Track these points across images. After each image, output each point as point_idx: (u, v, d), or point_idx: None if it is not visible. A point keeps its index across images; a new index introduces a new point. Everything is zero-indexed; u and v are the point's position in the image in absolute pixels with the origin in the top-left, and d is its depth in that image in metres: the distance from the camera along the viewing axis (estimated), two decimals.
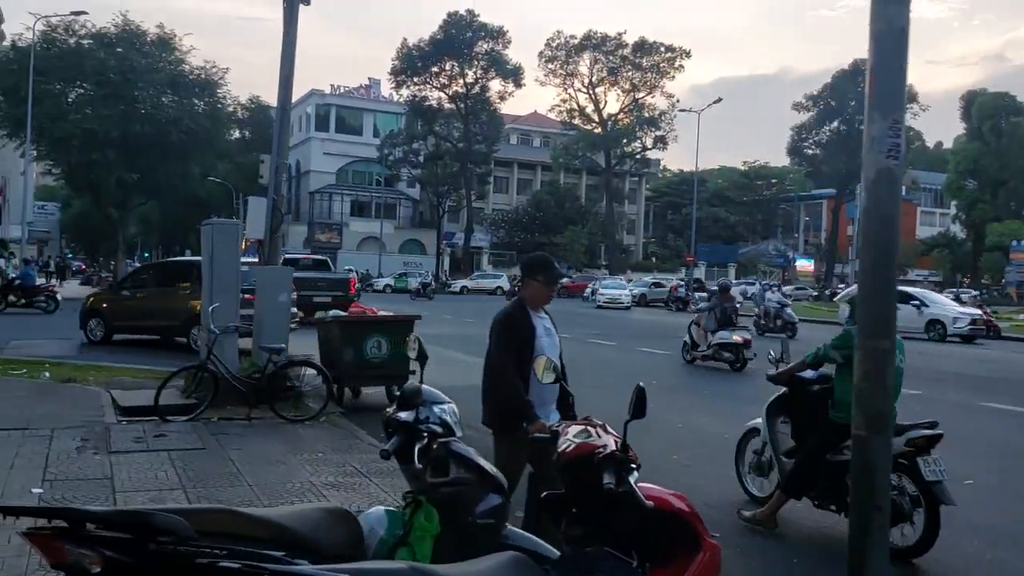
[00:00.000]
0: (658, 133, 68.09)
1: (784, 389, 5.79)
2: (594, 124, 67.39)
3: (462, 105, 59.12)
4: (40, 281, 27.67)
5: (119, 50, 33.16)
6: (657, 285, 46.95)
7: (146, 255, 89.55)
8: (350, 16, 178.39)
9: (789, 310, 23.78)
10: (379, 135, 68.03)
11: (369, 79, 75.41)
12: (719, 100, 48.08)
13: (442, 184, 62.93)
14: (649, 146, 69.47)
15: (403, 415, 2.70)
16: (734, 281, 65.73)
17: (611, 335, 21.83)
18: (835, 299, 37.54)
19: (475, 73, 58.51)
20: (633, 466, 2.39)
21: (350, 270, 40.59)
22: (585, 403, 3.86)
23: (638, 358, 16.69)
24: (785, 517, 5.52)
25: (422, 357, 3.21)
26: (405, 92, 60.41)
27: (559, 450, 2.52)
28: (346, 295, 21.68)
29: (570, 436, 2.51)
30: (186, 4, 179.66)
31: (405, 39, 58.27)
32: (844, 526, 3.96)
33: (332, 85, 72.11)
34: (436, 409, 2.75)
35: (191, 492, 5.41)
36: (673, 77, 67.17)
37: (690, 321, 16.28)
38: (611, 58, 65.96)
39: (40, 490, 5.21)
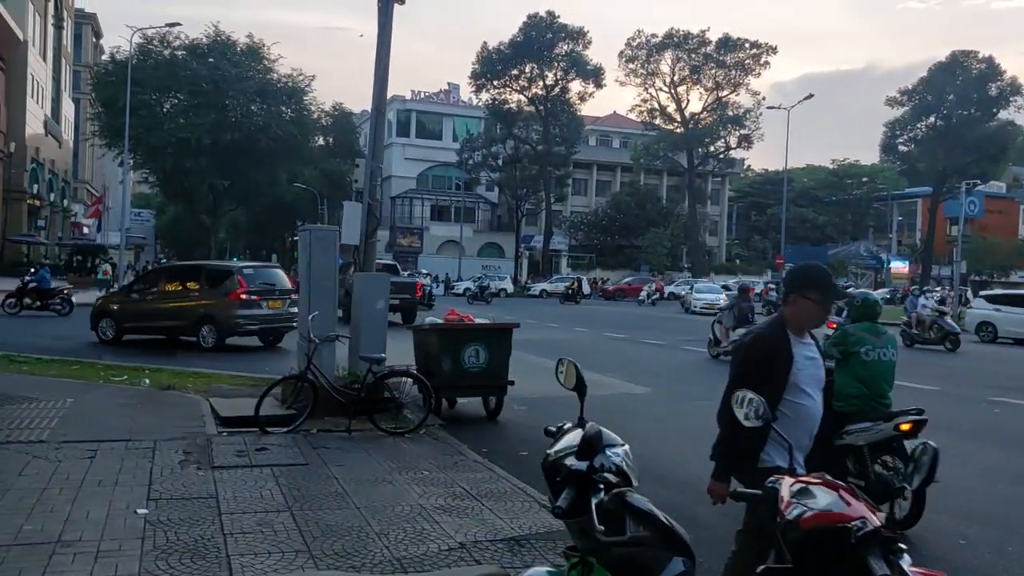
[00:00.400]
0: (743, 132, 66.31)
1: None
2: (676, 124, 66.07)
3: (542, 107, 58.79)
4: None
5: (211, 60, 34.16)
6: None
7: (235, 259, 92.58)
8: (430, 22, 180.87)
9: (949, 319, 21.34)
10: (458, 139, 68.45)
11: (448, 84, 75.91)
12: (810, 96, 46.30)
13: (521, 187, 62.75)
14: (733, 145, 67.72)
15: (576, 463, 2.23)
16: None
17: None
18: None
19: (555, 75, 58.12)
20: (902, 547, 1.87)
21: (420, 274, 40.64)
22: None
23: None
24: None
25: (580, 387, 2.74)
26: (485, 96, 60.52)
27: (792, 515, 2.01)
28: (412, 298, 22.97)
29: (803, 499, 2.00)
30: (268, 16, 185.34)
31: (485, 43, 58.35)
32: None
33: (413, 91, 72.85)
34: (610, 453, 2.29)
35: (298, 514, 5.10)
36: (759, 74, 65.41)
37: (713, 320, 17.67)
38: (693, 56, 64.55)
39: (145, 510, 4.99)
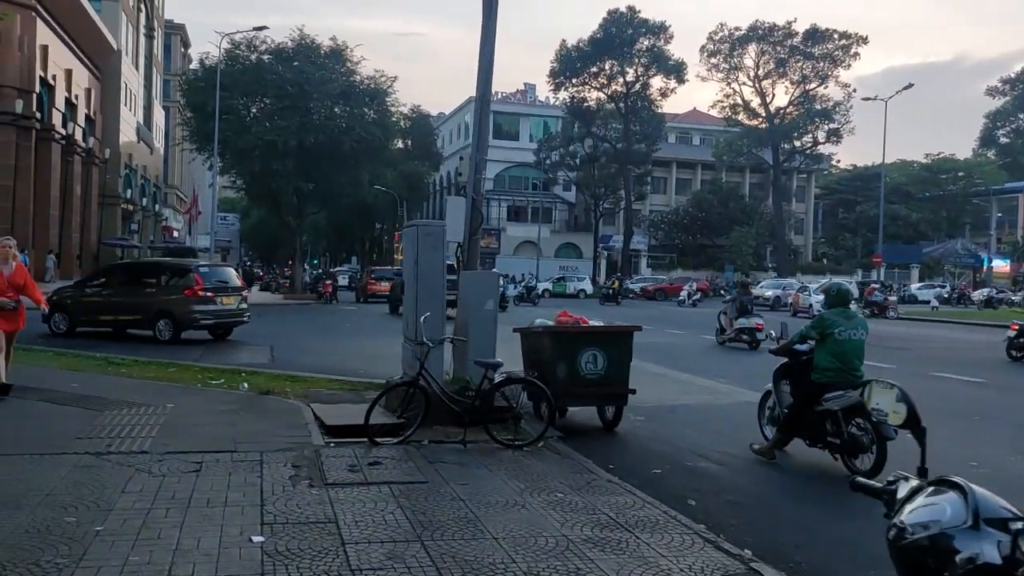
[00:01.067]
0: (832, 126, 63.79)
1: (786, 359, 7.64)
2: (760, 119, 63.99)
3: (621, 105, 57.65)
4: None
5: (295, 64, 34.38)
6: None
7: (314, 261, 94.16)
8: (505, 23, 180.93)
9: None
10: (535, 140, 67.92)
11: (524, 84, 75.51)
12: (910, 86, 43.92)
13: (599, 186, 61.69)
14: (821, 140, 65.19)
15: (981, 550, 1.43)
16: (918, 284, 60.36)
17: None
18: None
19: (636, 71, 56.91)
20: None
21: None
22: None
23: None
24: (788, 451, 7.49)
25: (915, 424, 1.95)
26: (563, 95, 59.75)
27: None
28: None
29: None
30: (342, 24, 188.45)
31: (564, 40, 57.64)
32: (827, 458, 7.02)
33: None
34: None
35: (430, 545, 4.44)
36: (849, 66, 62.68)
37: (719, 311, 19.96)
38: (779, 49, 62.41)
39: (261, 538, 4.42)
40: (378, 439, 6.93)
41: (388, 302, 26.53)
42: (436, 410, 7.29)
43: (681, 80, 57.28)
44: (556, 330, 8.45)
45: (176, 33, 76.28)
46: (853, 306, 7.92)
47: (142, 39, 56.49)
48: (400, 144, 61.35)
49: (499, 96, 72.64)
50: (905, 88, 43.84)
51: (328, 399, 8.99)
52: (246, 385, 9.39)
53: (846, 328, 7.00)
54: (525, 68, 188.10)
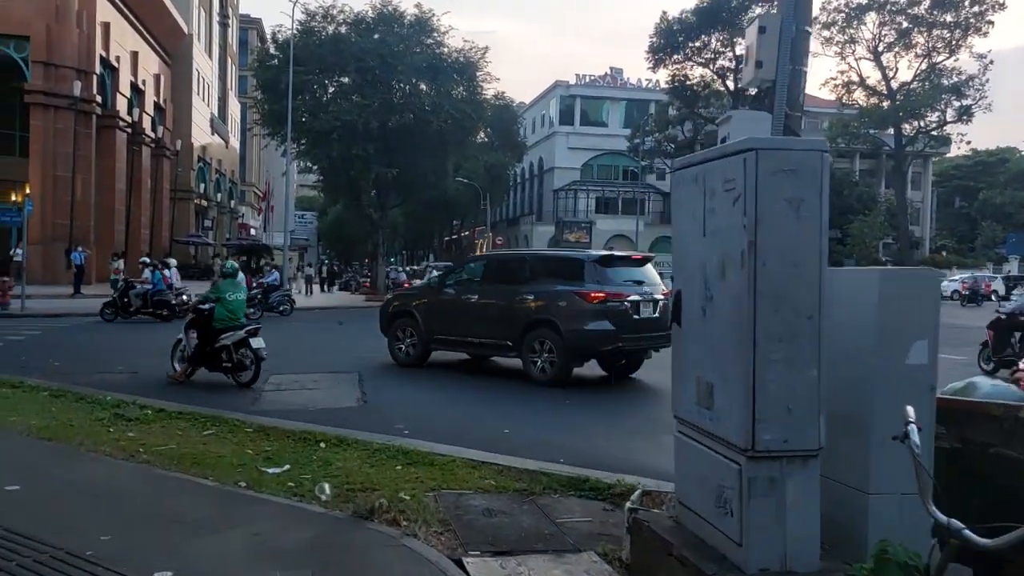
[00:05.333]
0: (963, 102, 56.64)
1: None
2: (881, 97, 57.36)
3: (729, 82, 51.98)
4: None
5: (376, 35, 30.42)
6: None
7: (391, 260, 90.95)
8: (594, 9, 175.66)
9: None
10: (626, 125, 62.93)
11: (611, 69, 70.46)
12: None
13: None
14: (950, 119, 58.06)
15: None
16: None
17: None
18: None
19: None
20: None
21: None
22: None
23: None
24: None
25: None
26: (663, 73, 54.40)
27: None
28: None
29: None
30: None
31: (664, 12, 52.35)
32: None
33: (577, 75, 67.88)
34: None
35: None
36: (986, 33, 55.39)
37: None
38: (901, 18, 55.71)
39: None
40: None
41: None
42: None
43: None
44: None
45: (252, 27, 74.02)
46: None
47: (215, 26, 53.79)
48: (482, 135, 57.07)
49: (585, 79, 67.92)
50: None
51: (496, 534, 4.51)
52: (327, 489, 4.97)
53: None
54: (610, 57, 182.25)
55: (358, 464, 5.81)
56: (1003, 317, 13.12)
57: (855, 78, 57.45)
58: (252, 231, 64.52)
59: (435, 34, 31.47)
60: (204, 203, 49.93)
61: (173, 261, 22.17)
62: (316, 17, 31.03)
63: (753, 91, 42.68)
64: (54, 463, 5.62)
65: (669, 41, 51.58)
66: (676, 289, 3.66)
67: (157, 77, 39.08)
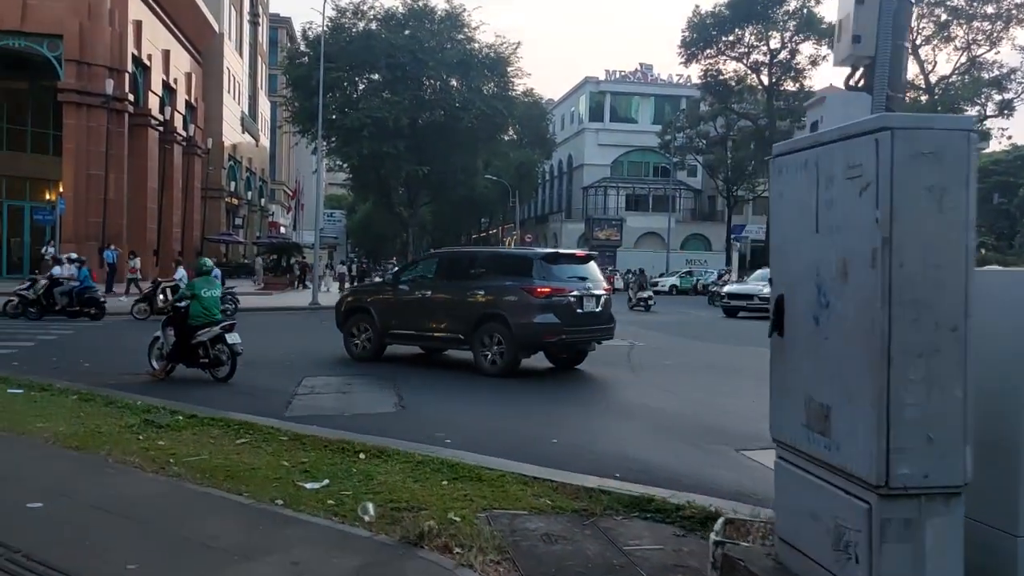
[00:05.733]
0: (1005, 96, 55.06)
1: None
2: (919, 91, 55.92)
3: (764, 76, 51.03)
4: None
5: (406, 32, 30.09)
6: None
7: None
8: (622, 4, 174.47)
9: None
10: (656, 121, 62.10)
11: (640, 64, 69.55)
12: None
13: (734, 170, 55.04)
14: (991, 112, 56.47)
15: None
16: None
17: None
18: None
19: (781, 37, 50.10)
20: None
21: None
22: None
23: None
24: None
25: None
26: (695, 68, 53.52)
27: None
28: None
29: None
30: None
31: (697, 6, 51.46)
32: None
33: (607, 70, 67.14)
34: None
35: None
36: None
37: None
38: (939, 10, 54.25)
39: None
40: None
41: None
42: None
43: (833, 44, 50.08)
44: None
45: (282, 26, 74.20)
46: None
47: (246, 25, 53.89)
48: (511, 132, 56.62)
49: (615, 75, 67.15)
50: None
51: (559, 565, 4.07)
52: (371, 509, 4.55)
53: None
54: (639, 54, 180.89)
55: (401, 478, 5.40)
56: None
57: None
58: (282, 229, 64.71)
59: (466, 29, 31.11)
60: (235, 202, 50.04)
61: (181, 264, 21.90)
62: (347, 14, 30.83)
63: (789, 85, 41.47)
64: (80, 476, 5.27)
65: (702, 35, 50.76)
66: (777, 294, 3.17)
67: (188, 75, 39.12)
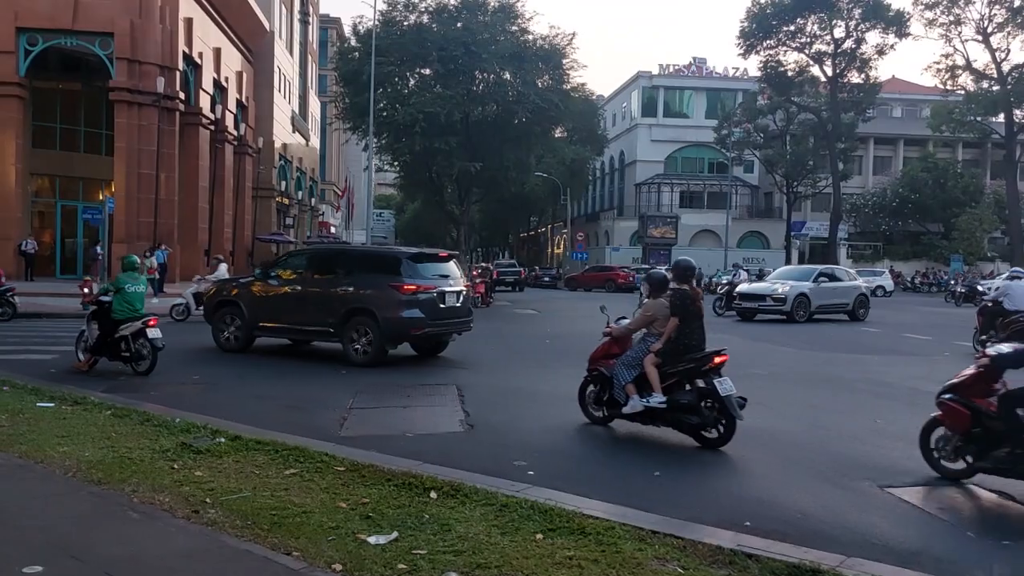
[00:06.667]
0: None
1: None
2: (990, 80, 53.19)
3: (827, 67, 48.96)
4: None
5: (459, 24, 29.20)
6: None
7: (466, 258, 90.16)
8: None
9: None
10: (710, 116, 60.35)
11: (694, 58, 67.81)
12: None
13: (794, 165, 53.02)
14: None
15: None
16: None
17: None
18: None
19: (846, 25, 47.97)
20: None
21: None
22: None
23: None
24: None
25: None
26: (754, 60, 51.72)
27: None
28: None
29: None
30: None
31: None
32: None
33: (660, 65, 65.57)
34: None
35: None
36: None
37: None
38: None
39: None
40: None
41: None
42: None
43: (902, 34, 47.77)
44: None
45: (332, 26, 74.19)
46: None
47: (296, 24, 53.67)
48: (561, 128, 55.43)
49: (668, 69, 65.50)
50: None
51: None
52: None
53: None
54: (692, 48, 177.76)
55: (485, 529, 4.36)
56: (988, 305, 14.65)
57: (960, 61, 53.40)
58: (333, 229, 64.54)
59: (519, 20, 30.07)
60: (285, 201, 49.81)
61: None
62: (398, 7, 30.03)
63: (854, 76, 39.31)
64: (96, 524, 4.35)
65: (761, 25, 48.94)
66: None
67: (239, 74, 38.81)
